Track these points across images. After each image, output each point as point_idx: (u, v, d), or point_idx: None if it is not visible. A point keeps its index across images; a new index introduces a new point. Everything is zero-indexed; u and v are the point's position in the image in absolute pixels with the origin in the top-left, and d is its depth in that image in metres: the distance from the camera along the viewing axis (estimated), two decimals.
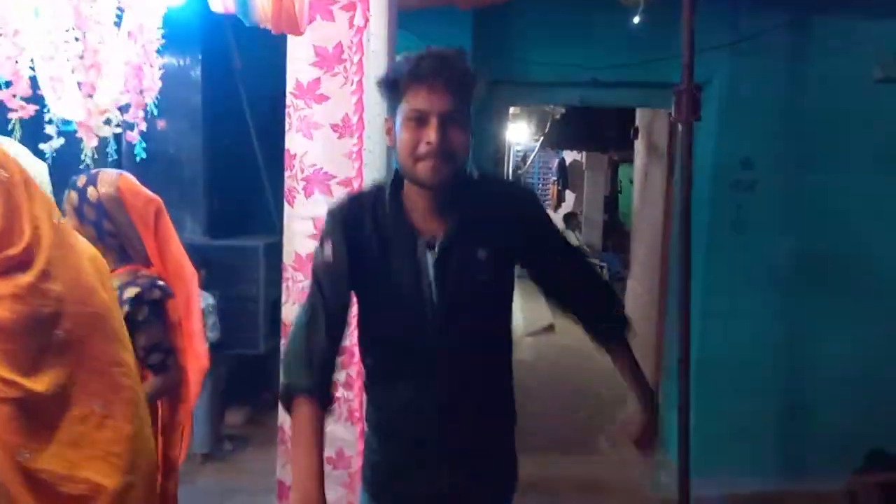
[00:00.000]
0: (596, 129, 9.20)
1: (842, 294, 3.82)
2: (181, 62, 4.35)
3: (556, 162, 15.30)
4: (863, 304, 3.82)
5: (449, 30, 3.78)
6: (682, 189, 3.15)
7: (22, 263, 1.51)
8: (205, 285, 4.14)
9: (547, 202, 16.60)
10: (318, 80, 2.70)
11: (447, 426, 1.62)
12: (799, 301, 3.85)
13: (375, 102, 2.78)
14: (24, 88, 2.11)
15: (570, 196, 15.11)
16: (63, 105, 2.28)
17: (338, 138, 2.72)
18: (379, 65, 2.79)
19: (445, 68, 1.49)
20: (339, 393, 2.80)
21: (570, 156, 14.51)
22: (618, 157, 12.60)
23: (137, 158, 2.50)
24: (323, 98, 2.71)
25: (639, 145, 6.46)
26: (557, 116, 9.53)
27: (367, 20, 2.59)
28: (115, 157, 2.53)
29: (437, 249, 1.57)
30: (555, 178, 15.62)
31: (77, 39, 2.23)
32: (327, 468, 2.79)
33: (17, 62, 2.06)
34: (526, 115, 9.76)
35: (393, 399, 1.68)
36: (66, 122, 2.29)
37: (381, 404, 1.72)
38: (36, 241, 1.54)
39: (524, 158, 14.69)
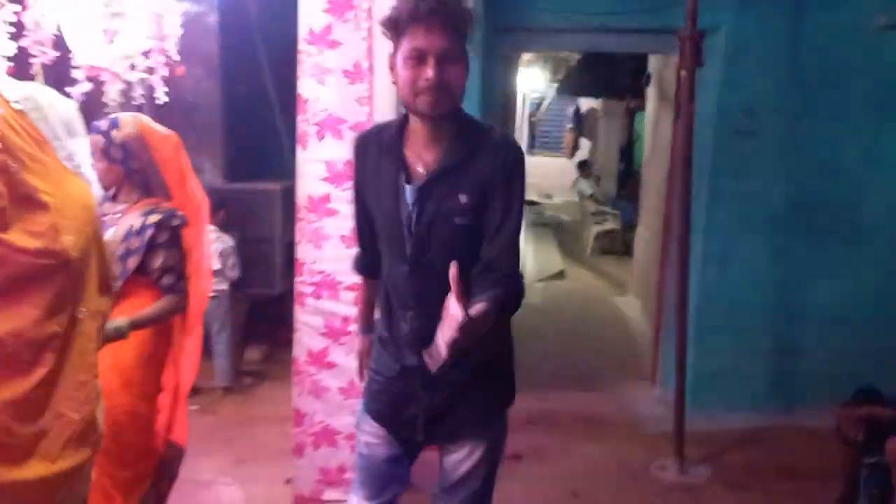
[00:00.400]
0: (612, 77, 9.16)
1: (836, 240, 3.94)
2: (199, 10, 4.42)
3: (571, 109, 15.23)
4: (856, 249, 3.95)
5: None
6: (683, 136, 3.26)
7: None
8: (224, 227, 4.32)
9: (562, 149, 16.63)
10: (329, 26, 2.80)
11: (425, 347, 1.63)
12: (795, 246, 3.97)
13: (386, 48, 2.89)
14: (45, 35, 2.24)
15: (585, 144, 15.09)
16: (88, 51, 2.42)
17: (349, 84, 2.84)
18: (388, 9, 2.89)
19: (441, 9, 1.60)
20: (351, 327, 2.97)
21: (586, 103, 14.44)
22: (634, 105, 12.53)
23: (160, 102, 2.62)
24: (335, 44, 2.82)
25: (650, 92, 6.49)
26: (573, 63, 9.51)
27: None
28: (139, 101, 2.65)
29: (415, 185, 1.71)
30: (570, 125, 15.57)
31: None
32: (339, 398, 3.02)
33: (41, 13, 2.18)
34: (541, 62, 9.73)
35: (391, 315, 1.86)
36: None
37: (383, 317, 1.90)
38: None
39: (539, 105, 14.62)
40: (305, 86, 2.87)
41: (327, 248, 2.94)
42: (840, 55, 3.82)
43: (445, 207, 1.70)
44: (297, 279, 3.01)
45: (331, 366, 3.02)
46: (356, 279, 2.91)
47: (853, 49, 3.80)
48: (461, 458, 1.86)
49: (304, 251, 2.98)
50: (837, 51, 3.81)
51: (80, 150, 2.55)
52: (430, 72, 1.60)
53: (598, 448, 3.76)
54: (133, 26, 2.50)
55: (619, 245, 9.24)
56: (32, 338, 1.46)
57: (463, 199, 1.69)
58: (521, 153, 1.78)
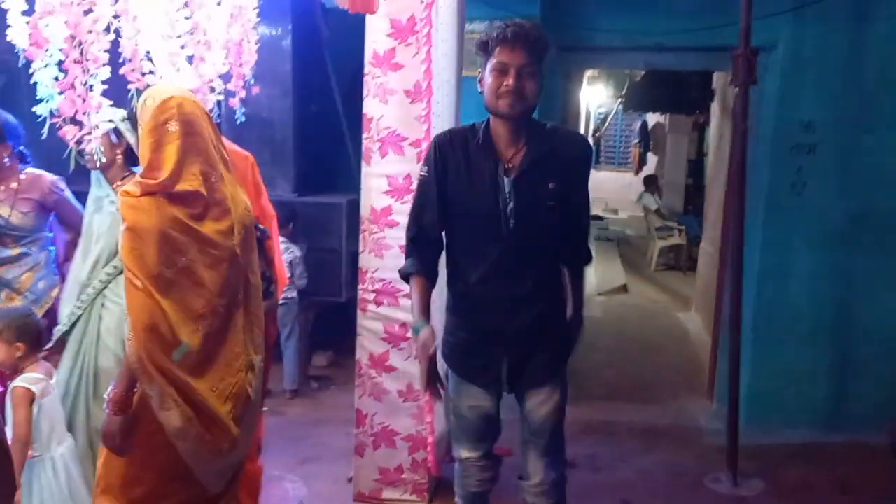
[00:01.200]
0: (679, 92, 9.11)
1: (895, 255, 3.88)
2: (274, 33, 4.69)
3: (638, 124, 15.11)
4: None
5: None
6: (737, 151, 3.31)
7: (172, 192, 2.01)
8: (294, 238, 4.55)
9: (629, 164, 16.48)
10: (393, 49, 2.98)
11: (513, 313, 2.18)
12: (854, 262, 3.93)
13: (443, 69, 3.06)
14: (139, 64, 2.47)
15: (652, 159, 14.95)
16: (180, 76, 2.65)
17: (410, 103, 3.01)
18: (448, 35, 3.06)
19: (523, 33, 2.02)
20: (409, 333, 3.12)
21: (653, 118, 14.32)
22: (703, 120, 12.39)
23: (238, 122, 2.84)
24: (397, 66, 3.00)
25: (715, 107, 6.49)
26: (637, 79, 9.50)
27: None
28: (218, 120, 2.87)
29: (513, 175, 2.11)
30: (636, 140, 15.44)
31: (187, 18, 2.58)
32: (398, 400, 3.17)
33: (136, 43, 2.42)
34: (604, 78, 9.76)
35: (471, 289, 2.22)
36: None
37: (461, 293, 2.27)
38: (174, 175, 2.02)
39: (604, 120, 14.59)
40: (370, 105, 3.06)
41: (388, 258, 3.11)
42: None
43: (538, 194, 2.12)
44: (360, 287, 3.18)
45: (390, 369, 3.17)
46: None
47: None
48: (543, 400, 2.26)
49: (366, 260, 3.16)
50: None
51: None
52: (510, 80, 2.02)
53: (651, 459, 3.80)
54: (216, 53, 2.72)
55: (684, 260, 9.15)
56: (207, 311, 2.07)
57: (551, 185, 2.12)
58: (589, 144, 2.33)
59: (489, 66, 2.07)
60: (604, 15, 4.04)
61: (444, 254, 2.32)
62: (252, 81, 2.76)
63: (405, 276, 2.30)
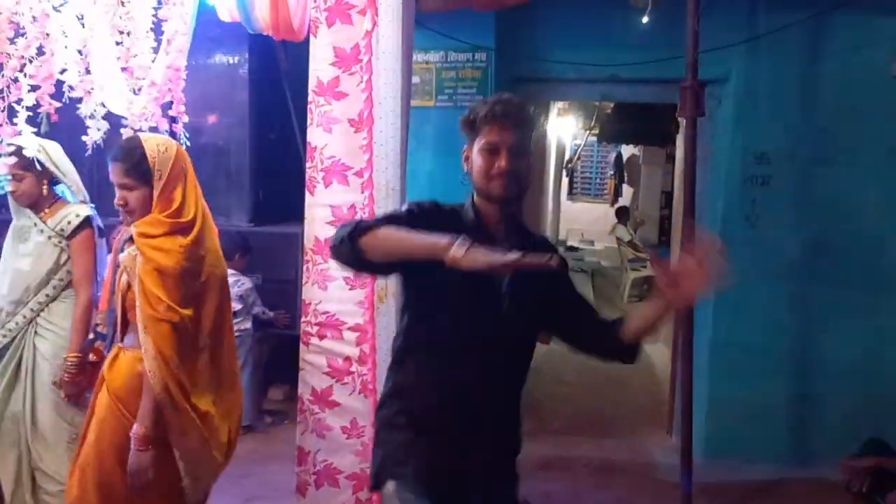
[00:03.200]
0: (650, 123, 9.18)
1: (851, 287, 3.88)
2: (231, 61, 4.66)
3: (613, 156, 15.23)
4: (872, 297, 3.88)
5: (473, 30, 4.01)
6: (687, 183, 3.29)
7: (185, 229, 2.26)
8: (247, 269, 4.48)
9: (604, 196, 16.59)
10: (337, 78, 2.93)
11: (485, 409, 1.92)
12: (809, 293, 3.92)
13: (386, 98, 3.02)
14: (50, 89, 2.46)
15: (627, 190, 15.04)
16: (117, 105, 2.62)
17: (354, 132, 2.96)
18: (392, 64, 3.02)
19: (512, 111, 1.88)
20: (353, 367, 3.04)
21: (628, 150, 14.43)
22: (674, 152, 12.48)
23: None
24: (341, 95, 2.95)
25: (679, 139, 6.51)
26: (608, 110, 9.57)
27: (374, 24, 2.80)
28: None
29: (509, 277, 1.88)
30: (612, 171, 15.55)
31: (119, 44, 2.55)
32: (341, 437, 3.08)
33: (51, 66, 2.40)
34: (574, 110, 9.82)
35: (443, 384, 1.91)
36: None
37: (430, 388, 1.93)
38: (196, 215, 2.30)
39: (575, 151, 14.72)
40: (314, 134, 3.00)
41: (332, 289, 3.03)
42: (853, 101, 3.83)
43: (525, 297, 1.91)
44: (303, 319, 3.10)
45: (334, 405, 3.08)
46: (359, 320, 3.02)
47: (866, 95, 3.81)
48: None
49: (309, 292, 3.08)
50: (850, 97, 3.83)
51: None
52: (503, 162, 1.85)
53: (608, 495, 3.73)
54: (151, 81, 2.69)
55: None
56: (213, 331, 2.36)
57: (535, 289, 1.89)
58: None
59: (478, 145, 1.89)
60: (558, 47, 4.05)
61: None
62: (182, 108, 2.70)
63: (356, 232, 1.78)
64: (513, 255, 1.59)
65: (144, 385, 2.18)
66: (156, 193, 2.25)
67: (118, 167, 2.23)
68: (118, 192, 2.26)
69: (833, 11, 3.70)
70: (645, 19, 3.55)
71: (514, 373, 2.00)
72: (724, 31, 3.75)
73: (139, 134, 2.43)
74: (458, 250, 1.62)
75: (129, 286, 2.25)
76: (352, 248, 1.78)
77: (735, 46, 3.80)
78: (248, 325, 4.46)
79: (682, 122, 6.24)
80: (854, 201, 3.87)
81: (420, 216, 1.89)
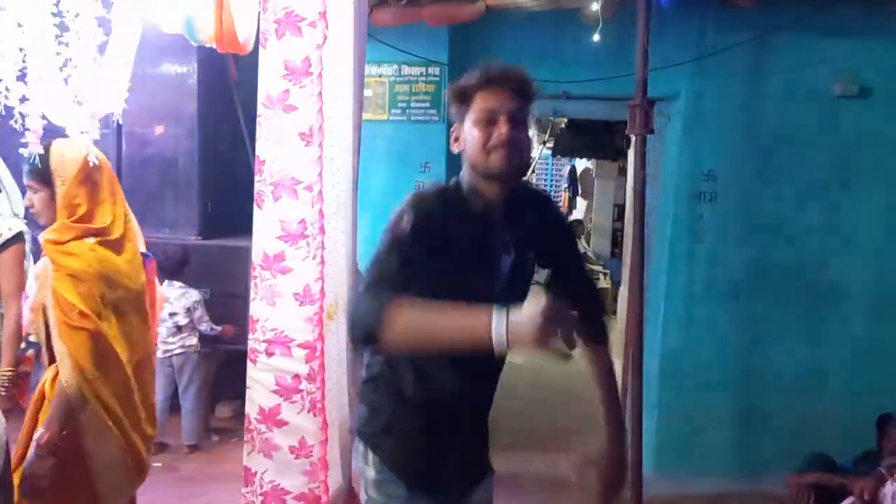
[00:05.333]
0: (603, 138, 9.30)
1: (795, 304, 3.96)
2: (179, 71, 4.57)
3: (567, 170, 15.41)
4: (815, 314, 3.96)
5: (427, 44, 4.00)
6: (636, 199, 3.32)
7: (99, 235, 2.26)
8: (191, 282, 4.39)
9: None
10: (287, 91, 2.88)
11: (481, 410, 1.90)
12: (758, 310, 3.99)
13: (336, 112, 2.98)
14: None
15: (581, 203, 15.21)
16: (60, 116, 2.52)
17: (305, 146, 2.91)
18: (342, 77, 2.99)
19: (511, 76, 1.70)
20: (302, 385, 2.98)
21: (581, 164, 14.60)
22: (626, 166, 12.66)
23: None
24: (291, 108, 2.90)
25: (630, 154, 6.60)
26: (562, 125, 9.67)
27: (325, 37, 2.77)
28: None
29: (512, 252, 1.76)
30: (566, 185, 15.72)
31: (58, 54, 2.46)
32: (290, 457, 3.01)
33: None
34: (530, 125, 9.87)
35: (441, 382, 1.81)
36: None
37: (427, 387, 1.82)
38: (114, 224, 2.32)
39: (531, 165, 14.87)
40: (263, 148, 2.94)
41: (281, 306, 2.97)
42: (798, 121, 3.92)
43: (528, 269, 1.82)
44: (250, 336, 3.03)
45: (282, 423, 3.01)
46: (309, 337, 2.95)
47: (810, 115, 3.91)
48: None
49: (257, 308, 3.01)
50: (795, 117, 3.92)
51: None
52: (503, 128, 1.64)
53: None
54: (96, 92, 2.60)
55: (609, 304, 9.22)
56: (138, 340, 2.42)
57: (530, 255, 1.81)
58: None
59: (471, 116, 1.68)
60: (511, 62, 4.04)
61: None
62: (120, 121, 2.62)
63: (378, 319, 1.50)
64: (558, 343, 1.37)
65: (57, 391, 2.18)
66: (58, 198, 2.29)
67: (25, 169, 2.34)
68: (27, 194, 2.35)
69: (778, 33, 3.79)
70: (596, 37, 3.58)
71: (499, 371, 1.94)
72: (673, 50, 3.81)
73: (55, 140, 2.43)
74: (500, 333, 1.38)
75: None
76: (376, 345, 1.55)
77: (683, 66, 3.86)
78: (194, 340, 4.35)
79: (633, 138, 6.38)
80: (797, 220, 3.95)
81: (423, 231, 1.64)
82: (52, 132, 2.60)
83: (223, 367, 4.79)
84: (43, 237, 2.26)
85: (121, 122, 2.75)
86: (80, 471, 2.25)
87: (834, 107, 3.84)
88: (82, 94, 2.62)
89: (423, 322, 1.51)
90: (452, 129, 1.78)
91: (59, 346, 2.17)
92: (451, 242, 1.69)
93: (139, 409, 2.44)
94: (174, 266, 4.26)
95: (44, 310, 2.26)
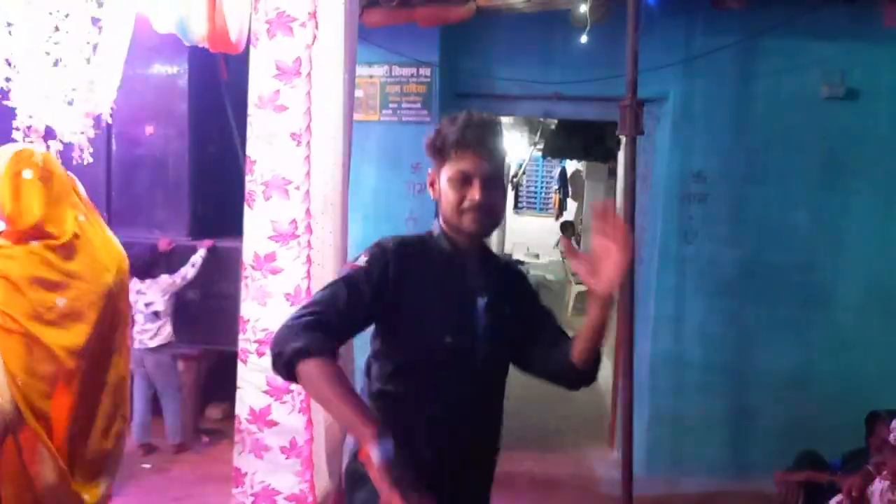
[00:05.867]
0: (594, 139, 9.31)
1: (785, 303, 3.99)
2: (170, 71, 4.56)
3: (557, 171, 15.45)
4: (804, 313, 3.99)
5: (418, 45, 4.00)
6: (627, 200, 3.33)
7: (46, 238, 2.18)
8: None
9: (550, 210, 16.83)
10: (277, 91, 2.88)
11: (467, 437, 1.86)
12: (747, 310, 4.01)
13: (325, 112, 2.98)
14: None
15: (572, 205, 15.25)
16: (56, 117, 2.52)
17: (295, 146, 2.91)
18: (333, 77, 2.99)
19: (487, 137, 1.71)
20: (293, 386, 2.98)
21: (572, 165, 14.64)
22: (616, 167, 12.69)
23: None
24: (282, 108, 2.90)
25: (620, 156, 6.62)
26: (552, 127, 9.68)
27: (315, 37, 2.77)
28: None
29: (487, 297, 1.78)
30: (556, 186, 15.76)
31: (48, 54, 2.45)
32: (280, 457, 3.00)
33: None
34: (519, 126, 9.91)
35: (419, 415, 1.78)
36: None
37: (408, 420, 1.77)
38: (66, 228, 2.25)
39: (520, 166, 14.91)
40: (254, 148, 2.94)
41: (271, 306, 2.97)
42: (786, 122, 3.94)
43: (502, 317, 1.80)
44: (241, 336, 3.03)
45: (272, 424, 3.01)
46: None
47: (798, 116, 3.93)
48: None
49: (248, 308, 3.01)
50: (783, 118, 3.94)
51: None
52: (476, 193, 1.68)
53: None
54: (90, 92, 2.60)
55: None
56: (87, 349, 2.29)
57: (507, 310, 1.82)
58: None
59: (446, 173, 1.71)
60: (502, 63, 4.07)
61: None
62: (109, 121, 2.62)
63: (298, 356, 1.53)
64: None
65: None
66: None
67: None
68: None
69: (766, 35, 3.81)
70: (584, 38, 3.60)
71: (500, 387, 1.94)
72: (663, 51, 3.83)
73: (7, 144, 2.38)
74: (375, 456, 1.39)
75: None
76: (288, 375, 1.59)
77: (673, 67, 3.88)
78: (169, 328, 4.31)
79: (623, 139, 6.40)
80: (786, 220, 3.98)
81: (378, 265, 1.69)
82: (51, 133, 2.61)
83: (214, 368, 4.78)
84: None
85: (110, 121, 2.74)
86: (28, 493, 2.15)
87: (822, 108, 3.87)
88: (73, 94, 2.63)
89: (320, 393, 1.55)
90: (430, 172, 1.80)
91: None
92: (422, 282, 1.73)
93: (98, 419, 2.36)
94: (142, 266, 4.20)
95: None
